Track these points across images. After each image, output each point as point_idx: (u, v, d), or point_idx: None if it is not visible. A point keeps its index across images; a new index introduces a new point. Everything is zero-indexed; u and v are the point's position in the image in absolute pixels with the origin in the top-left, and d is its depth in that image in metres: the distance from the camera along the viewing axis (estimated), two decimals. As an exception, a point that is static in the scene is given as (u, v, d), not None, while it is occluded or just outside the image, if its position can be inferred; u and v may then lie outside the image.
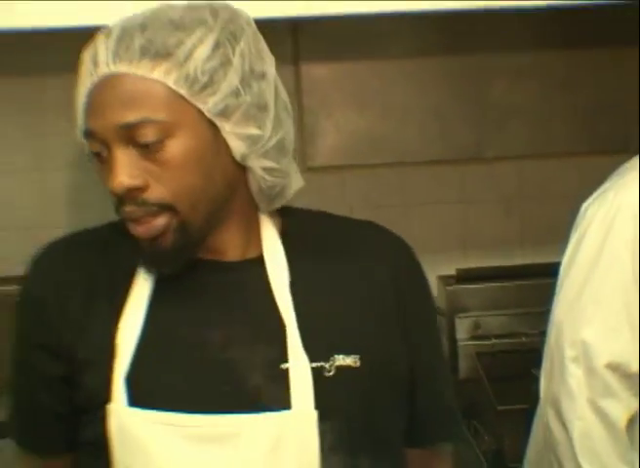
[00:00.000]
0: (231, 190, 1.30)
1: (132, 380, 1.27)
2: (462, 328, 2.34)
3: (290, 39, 2.35)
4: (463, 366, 2.31)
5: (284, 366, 1.27)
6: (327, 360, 1.30)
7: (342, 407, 1.30)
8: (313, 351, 1.29)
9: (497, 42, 2.33)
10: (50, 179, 2.33)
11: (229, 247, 1.34)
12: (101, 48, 1.25)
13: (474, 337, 2.34)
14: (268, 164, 1.30)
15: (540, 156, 2.47)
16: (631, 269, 1.60)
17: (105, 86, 1.23)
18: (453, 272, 2.42)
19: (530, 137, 2.45)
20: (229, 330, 1.31)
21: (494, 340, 2.33)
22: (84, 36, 1.30)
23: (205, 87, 1.22)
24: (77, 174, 2.29)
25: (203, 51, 1.23)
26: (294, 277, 1.33)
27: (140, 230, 1.25)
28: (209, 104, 1.23)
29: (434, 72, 2.40)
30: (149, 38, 1.23)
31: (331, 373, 1.29)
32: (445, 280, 2.40)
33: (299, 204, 2.33)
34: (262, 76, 1.28)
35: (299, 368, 1.27)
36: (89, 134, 1.26)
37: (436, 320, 1.52)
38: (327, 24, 2.05)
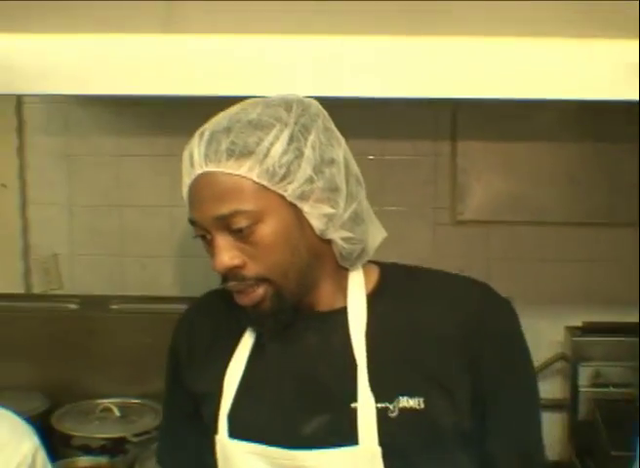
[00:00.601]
0: (318, 258, 1.43)
1: (233, 416, 1.45)
2: (584, 375, 2.47)
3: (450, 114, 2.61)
4: (583, 410, 2.45)
5: (353, 405, 1.38)
6: (391, 401, 1.38)
7: (404, 446, 1.38)
8: (380, 392, 1.38)
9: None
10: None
11: (320, 300, 1.46)
12: (196, 150, 1.38)
13: (594, 385, 2.47)
14: (345, 234, 1.42)
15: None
16: None
17: (201, 183, 1.38)
18: (579, 323, 2.58)
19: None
20: (312, 372, 1.44)
21: (612, 389, 2.46)
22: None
23: (283, 178, 1.36)
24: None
25: (279, 147, 1.36)
26: (372, 324, 1.44)
27: (242, 300, 1.41)
28: (288, 191, 1.36)
29: (571, 146, 2.59)
30: (233, 140, 1.36)
31: (394, 414, 1.38)
32: (571, 331, 2.55)
33: (445, 251, 2.58)
34: (332, 162, 1.41)
35: (365, 407, 1.37)
36: (192, 222, 1.41)
37: (526, 369, 1.50)
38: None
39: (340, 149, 1.44)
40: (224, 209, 1.36)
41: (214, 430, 1.46)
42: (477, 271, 2.60)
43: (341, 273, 1.48)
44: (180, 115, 2.34)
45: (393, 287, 1.50)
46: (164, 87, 1.86)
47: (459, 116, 2.63)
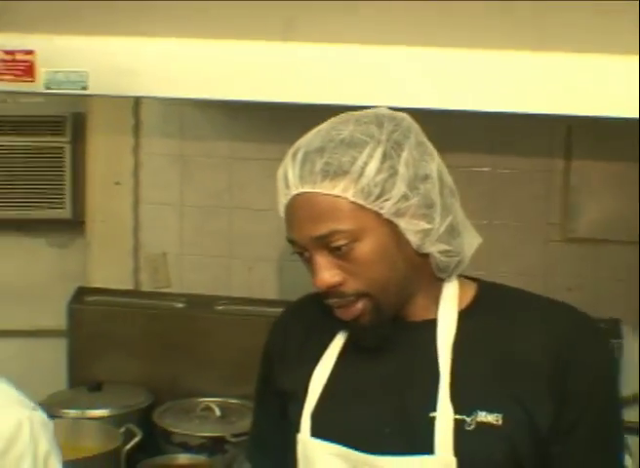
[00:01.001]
0: (415, 271, 1.43)
1: (316, 416, 1.47)
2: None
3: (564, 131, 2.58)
4: None
5: (432, 414, 1.39)
6: (469, 414, 1.38)
7: (478, 460, 1.37)
8: (459, 404, 1.38)
9: None
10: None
11: (413, 311, 1.47)
12: (290, 170, 1.40)
13: None
14: (442, 247, 1.42)
15: None
16: None
17: (297, 204, 1.39)
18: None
19: None
20: (395, 379, 1.45)
21: None
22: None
23: (379, 196, 1.36)
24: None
25: (373, 166, 1.36)
26: (461, 338, 1.44)
27: (343, 314, 1.43)
28: (384, 209, 1.37)
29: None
30: (327, 160, 1.37)
31: (471, 428, 1.38)
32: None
33: (555, 268, 2.54)
34: (426, 178, 1.41)
35: (443, 417, 1.38)
36: (290, 241, 1.43)
37: (613, 405, 1.47)
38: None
39: (434, 163, 1.44)
40: (322, 229, 1.37)
41: (296, 428, 1.48)
42: (586, 290, 2.61)
43: (436, 285, 1.48)
44: (291, 121, 2.37)
45: (488, 305, 1.49)
46: (279, 94, 1.88)
47: (573, 133, 2.59)
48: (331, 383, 1.49)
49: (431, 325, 1.46)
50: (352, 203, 1.37)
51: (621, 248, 2.60)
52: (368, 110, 1.46)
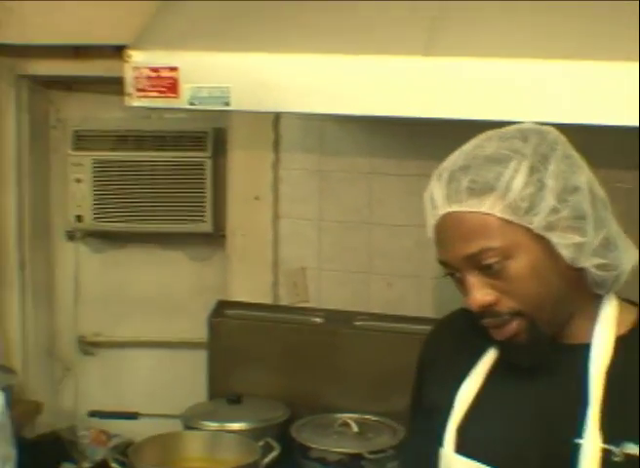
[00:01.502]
0: (570, 287, 1.40)
1: (461, 432, 1.45)
2: None
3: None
4: None
5: (578, 440, 1.35)
6: (617, 445, 1.34)
7: None
8: (607, 433, 1.35)
9: None
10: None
11: (570, 332, 1.44)
12: (436, 191, 1.40)
13: None
14: (598, 261, 1.38)
15: None
16: None
17: (445, 223, 1.39)
18: None
19: None
20: (543, 402, 1.42)
21: None
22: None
23: (527, 211, 1.34)
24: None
25: (519, 180, 1.34)
26: (616, 364, 1.39)
27: (498, 335, 1.42)
28: (534, 224, 1.34)
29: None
30: (473, 178, 1.36)
31: (618, 459, 1.34)
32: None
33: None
34: (576, 189, 1.37)
35: (591, 445, 1.34)
36: (441, 262, 1.42)
37: None
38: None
39: (583, 175, 1.40)
40: (472, 247, 1.36)
41: (439, 442, 1.47)
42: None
43: (595, 304, 1.45)
44: (430, 136, 2.36)
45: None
46: (419, 109, 1.87)
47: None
48: (478, 400, 1.47)
49: (587, 349, 1.42)
50: (500, 219, 1.36)
51: None
52: (512, 126, 1.45)
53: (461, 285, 1.41)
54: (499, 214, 1.35)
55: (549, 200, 1.35)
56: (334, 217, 2.78)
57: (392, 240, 2.70)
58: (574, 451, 1.35)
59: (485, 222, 1.36)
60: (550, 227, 1.36)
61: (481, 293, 1.38)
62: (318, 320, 2.75)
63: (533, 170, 1.36)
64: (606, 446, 1.34)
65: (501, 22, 1.85)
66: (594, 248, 1.38)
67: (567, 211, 1.36)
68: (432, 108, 1.86)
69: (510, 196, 1.34)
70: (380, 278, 2.73)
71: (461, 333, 1.55)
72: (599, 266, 1.39)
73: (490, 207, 1.35)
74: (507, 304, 1.38)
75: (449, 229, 1.39)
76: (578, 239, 1.37)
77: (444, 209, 1.39)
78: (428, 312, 2.59)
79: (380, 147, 2.70)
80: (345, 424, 2.53)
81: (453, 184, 1.38)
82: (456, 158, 1.42)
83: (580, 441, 1.36)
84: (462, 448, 1.44)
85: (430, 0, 1.92)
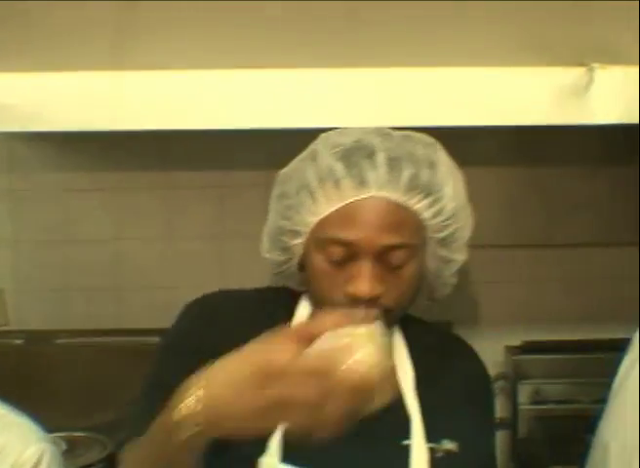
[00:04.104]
0: None
1: (285, 440, 1.35)
2: (524, 393, 2.51)
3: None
4: (523, 427, 2.49)
5: (405, 442, 1.39)
6: (438, 443, 1.41)
7: None
8: (427, 433, 1.41)
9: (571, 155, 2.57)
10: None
11: None
12: (369, 171, 1.35)
13: (534, 402, 2.51)
14: (451, 280, 1.48)
15: (604, 244, 2.67)
16: None
17: (371, 205, 1.35)
18: (519, 343, 2.63)
19: (596, 227, 2.66)
20: None
21: (551, 406, 2.50)
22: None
23: (445, 220, 1.38)
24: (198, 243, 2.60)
25: (449, 191, 1.38)
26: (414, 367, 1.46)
27: None
28: (442, 234, 1.39)
29: (509, 170, 2.66)
30: (415, 173, 1.35)
31: (439, 455, 1.40)
32: (511, 350, 2.59)
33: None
34: (466, 206, 1.45)
35: (418, 445, 1.39)
36: (342, 243, 1.34)
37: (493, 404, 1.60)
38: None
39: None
40: (394, 239, 1.35)
41: (257, 453, 1.37)
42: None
43: None
44: (119, 149, 2.39)
45: (414, 337, 1.51)
46: (109, 122, 1.89)
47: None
48: None
49: None
50: (422, 220, 1.37)
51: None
52: (412, 132, 1.45)
53: (345, 270, 1.36)
54: (425, 216, 1.37)
55: (462, 216, 1.41)
56: (29, 237, 2.73)
57: (89, 255, 2.69)
58: (404, 453, 1.39)
59: (412, 219, 1.37)
60: (448, 242, 1.42)
61: (372, 284, 1.35)
62: (18, 341, 2.69)
63: (454, 185, 1.40)
64: (430, 444, 1.40)
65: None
66: (457, 268, 1.47)
67: (468, 230, 1.44)
68: (118, 121, 1.88)
69: (440, 204, 1.37)
70: (79, 294, 2.71)
71: (258, 321, 1.43)
72: (446, 285, 1.49)
73: (423, 207, 1.36)
74: (388, 300, 1.37)
75: (374, 213, 1.34)
76: (458, 257, 1.45)
77: (378, 191, 1.35)
78: (129, 324, 2.61)
79: (71, 163, 2.68)
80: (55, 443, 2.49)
81: (394, 172, 1.35)
82: (388, 145, 1.38)
83: (408, 442, 1.39)
84: (286, 457, 1.38)
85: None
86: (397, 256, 1.35)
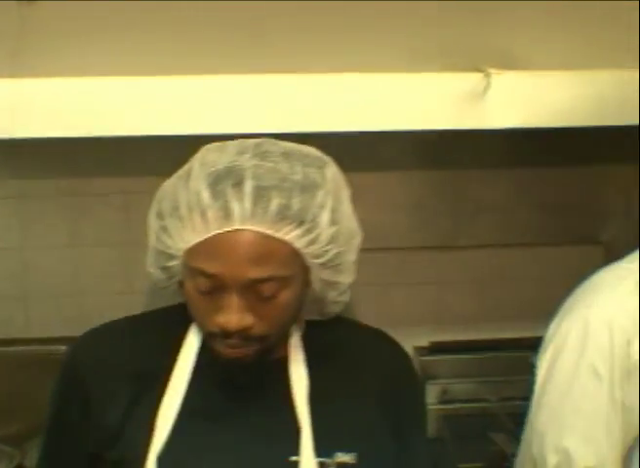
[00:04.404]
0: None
1: (164, 462, 1.35)
2: (432, 393, 2.55)
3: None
4: (431, 427, 2.46)
5: (293, 458, 1.36)
6: (330, 456, 1.37)
7: None
8: (319, 447, 1.37)
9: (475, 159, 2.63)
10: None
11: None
12: (235, 202, 1.28)
13: (442, 402, 2.55)
14: (341, 299, 1.44)
15: (508, 245, 2.72)
16: (608, 382, 1.67)
17: (234, 239, 1.28)
18: (426, 344, 2.66)
19: (500, 229, 2.71)
20: (252, 424, 1.40)
21: (459, 405, 2.55)
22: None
23: (323, 247, 1.33)
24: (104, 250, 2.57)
25: (325, 217, 1.32)
26: (309, 379, 1.43)
27: (231, 354, 1.35)
28: (321, 259, 1.34)
29: (416, 174, 2.69)
30: (285, 203, 1.28)
31: None
32: (419, 350, 2.63)
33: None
34: (356, 234, 1.42)
35: (306, 461, 1.36)
36: (207, 275, 1.29)
37: (425, 415, 1.60)
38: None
39: (357, 220, 1.43)
40: (261, 273, 1.29)
41: None
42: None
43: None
44: (26, 157, 2.36)
45: (319, 339, 1.49)
46: (10, 129, 1.87)
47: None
48: (178, 426, 1.38)
49: (282, 363, 1.44)
50: (296, 250, 1.32)
51: (360, 254, 2.69)
52: (295, 145, 1.40)
53: (213, 300, 1.32)
54: (298, 246, 1.31)
55: (341, 241, 1.36)
56: None
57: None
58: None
59: (281, 250, 1.30)
60: (329, 266, 1.36)
61: (240, 316, 1.30)
62: None
63: (334, 208, 1.34)
64: (320, 459, 1.37)
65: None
66: (345, 288, 1.43)
67: (349, 254, 1.39)
68: (21, 128, 1.87)
69: (316, 231, 1.31)
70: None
71: (137, 348, 1.46)
72: (337, 304, 1.46)
73: (295, 237, 1.30)
74: (260, 329, 1.33)
75: (239, 246, 1.29)
76: (342, 279, 1.40)
77: (242, 224, 1.29)
78: (36, 332, 2.57)
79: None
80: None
81: (262, 203, 1.28)
82: (259, 172, 1.32)
83: (296, 458, 1.37)
84: None
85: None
86: (267, 287, 1.30)
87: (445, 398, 2.57)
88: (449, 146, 2.55)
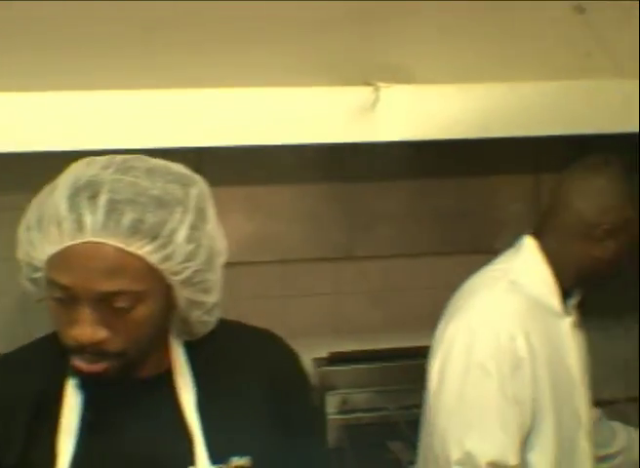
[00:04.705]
0: (163, 330, 1.41)
1: None
2: (332, 403, 2.57)
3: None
4: (332, 436, 2.52)
5: None
6: (226, 462, 1.38)
7: None
8: (213, 455, 1.38)
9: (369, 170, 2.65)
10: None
11: (145, 367, 1.41)
12: (88, 215, 1.27)
13: (342, 412, 2.57)
14: (206, 319, 1.42)
15: (403, 255, 2.76)
16: (497, 377, 1.78)
17: (85, 250, 1.27)
18: (325, 355, 2.67)
19: (395, 239, 2.74)
20: (144, 436, 1.39)
21: (359, 414, 2.57)
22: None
23: (180, 264, 1.31)
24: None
25: (182, 234, 1.31)
26: (196, 387, 1.43)
27: (87, 370, 1.33)
28: (179, 277, 1.32)
29: (311, 186, 2.70)
30: (138, 217, 1.28)
31: None
32: (318, 361, 2.64)
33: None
34: (219, 254, 1.40)
35: None
36: (60, 286, 1.29)
37: (316, 413, 1.69)
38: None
39: (223, 238, 1.42)
40: (112, 286, 1.28)
41: None
42: (227, 312, 2.66)
43: (165, 336, 1.45)
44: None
45: (204, 344, 1.48)
46: None
47: (203, 164, 2.66)
48: (78, 455, 1.37)
49: (167, 377, 1.43)
50: (150, 265, 1.30)
51: (256, 268, 2.70)
52: (163, 162, 1.39)
53: (68, 313, 1.31)
54: (152, 261, 1.30)
55: (201, 259, 1.34)
56: None
57: None
58: None
59: (133, 264, 1.29)
60: (190, 284, 1.34)
61: (93, 330, 1.29)
62: None
63: (195, 225, 1.33)
64: (216, 466, 1.38)
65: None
66: (210, 307, 1.41)
67: (210, 273, 1.37)
68: None
69: (171, 247, 1.30)
70: None
71: (30, 376, 1.44)
72: (204, 323, 1.43)
73: (148, 252, 1.29)
74: (116, 344, 1.31)
75: (90, 258, 1.27)
76: (205, 299, 1.38)
77: (94, 236, 1.28)
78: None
79: None
80: None
81: (114, 215, 1.28)
82: (115, 186, 1.31)
83: None
84: None
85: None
86: (121, 301, 1.29)
87: (345, 408, 2.59)
88: (343, 159, 2.58)
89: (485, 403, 1.79)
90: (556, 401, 1.86)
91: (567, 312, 1.95)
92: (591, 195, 1.89)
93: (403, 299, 2.76)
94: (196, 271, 1.34)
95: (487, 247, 2.53)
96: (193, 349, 1.46)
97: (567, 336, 1.93)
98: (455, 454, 1.77)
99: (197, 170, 2.56)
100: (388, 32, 1.91)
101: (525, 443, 1.84)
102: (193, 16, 1.76)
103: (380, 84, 1.87)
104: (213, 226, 1.38)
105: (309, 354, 2.68)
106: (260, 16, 1.79)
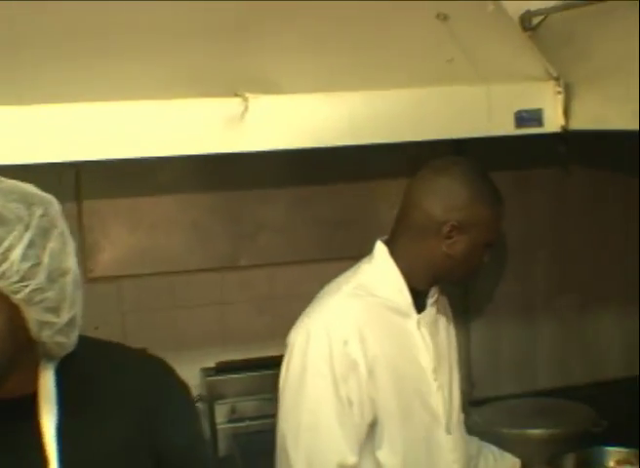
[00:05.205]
0: (22, 354, 1.36)
1: None
2: (221, 412, 2.59)
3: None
4: (222, 446, 2.55)
5: None
6: None
7: None
8: None
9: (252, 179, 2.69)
10: None
11: (7, 388, 1.37)
12: None
13: (231, 420, 2.59)
14: (59, 339, 1.38)
15: (287, 263, 2.81)
16: (331, 380, 1.86)
17: None
18: (213, 364, 2.70)
19: (280, 247, 2.78)
20: (2, 461, 1.38)
21: (248, 422, 2.60)
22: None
23: (16, 282, 1.29)
24: None
25: (19, 251, 1.29)
26: (62, 413, 1.41)
27: None
28: (19, 295, 1.30)
29: (194, 196, 2.73)
30: None
31: None
32: (206, 371, 2.66)
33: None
34: (66, 272, 1.36)
35: None
36: None
37: (201, 437, 1.63)
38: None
39: (73, 255, 1.40)
40: None
41: None
42: (112, 326, 2.68)
43: (33, 356, 1.42)
44: None
45: (76, 369, 1.47)
46: None
47: (82, 177, 2.65)
48: None
49: (29, 400, 1.41)
50: None
51: (141, 280, 2.72)
52: (12, 182, 1.37)
53: None
54: None
55: (40, 278, 1.32)
56: None
57: None
58: None
59: None
60: (32, 303, 1.32)
61: None
62: None
63: (33, 243, 1.31)
64: None
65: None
66: (61, 327, 1.37)
67: (52, 292, 1.34)
68: None
69: (5, 265, 1.29)
70: None
71: None
72: (59, 344, 1.39)
73: None
74: None
75: None
76: (52, 318, 1.35)
77: None
78: None
79: None
80: None
81: None
82: None
83: None
84: None
85: None
86: None
87: (234, 416, 2.60)
88: (223, 169, 2.59)
89: (321, 404, 1.86)
90: (404, 399, 1.94)
91: (426, 311, 2.02)
92: (438, 193, 1.96)
93: (288, 307, 2.69)
94: (35, 290, 1.32)
95: (370, 252, 2.59)
96: (65, 371, 1.45)
97: (417, 335, 2.00)
98: (294, 455, 1.85)
99: (76, 183, 2.62)
100: (256, 45, 1.95)
101: (373, 442, 1.91)
102: (63, 29, 1.76)
103: (249, 95, 1.90)
104: (58, 245, 1.36)
105: (198, 364, 2.70)
106: (132, 29, 1.80)
